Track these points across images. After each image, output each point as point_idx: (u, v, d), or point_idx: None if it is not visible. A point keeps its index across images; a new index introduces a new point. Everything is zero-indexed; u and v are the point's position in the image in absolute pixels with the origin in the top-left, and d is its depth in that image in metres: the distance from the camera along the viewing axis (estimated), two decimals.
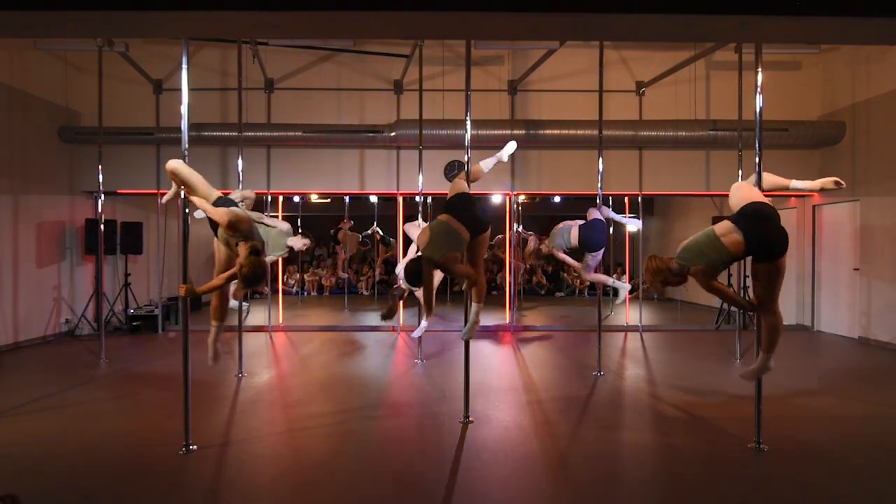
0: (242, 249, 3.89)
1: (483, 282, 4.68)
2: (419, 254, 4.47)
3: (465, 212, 4.42)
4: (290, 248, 6.39)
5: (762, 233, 3.61)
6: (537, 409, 4.96)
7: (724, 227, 3.70)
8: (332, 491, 3.39)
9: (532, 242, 7.45)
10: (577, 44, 8.57)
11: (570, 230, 6.50)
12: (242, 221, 3.92)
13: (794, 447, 4.07)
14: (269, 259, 6.47)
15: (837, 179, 3.96)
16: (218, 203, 4.08)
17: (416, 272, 4.38)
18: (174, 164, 3.95)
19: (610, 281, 6.75)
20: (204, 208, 3.98)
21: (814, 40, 7.26)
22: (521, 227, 10.69)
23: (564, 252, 6.67)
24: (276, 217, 9.19)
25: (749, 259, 3.80)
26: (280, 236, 6.27)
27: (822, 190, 4.04)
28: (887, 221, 7.87)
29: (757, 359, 4.00)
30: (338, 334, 8.90)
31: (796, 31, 3.70)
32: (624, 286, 6.74)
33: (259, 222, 6.25)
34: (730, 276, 9.41)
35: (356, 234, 12.55)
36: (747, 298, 3.79)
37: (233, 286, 4.34)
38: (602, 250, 6.51)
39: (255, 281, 3.91)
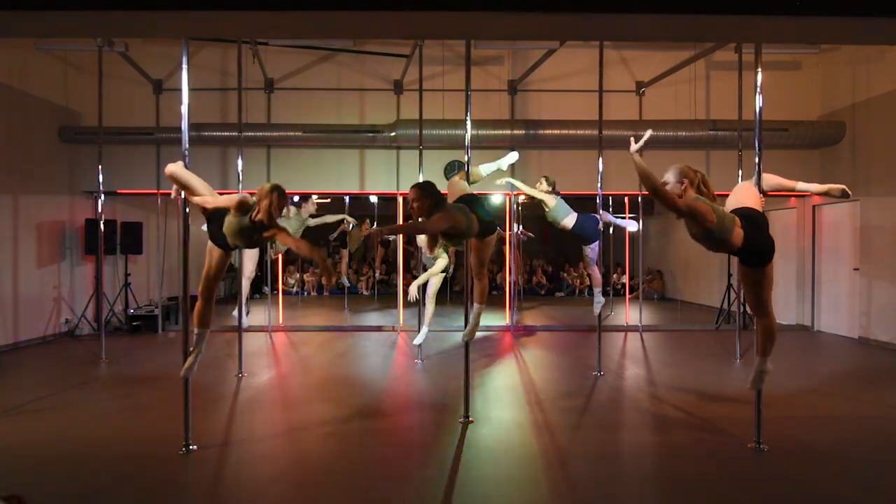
0: (259, 211, 3.74)
1: (485, 282, 4.67)
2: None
3: (475, 211, 4.39)
4: (310, 218, 6.56)
5: (756, 237, 3.61)
6: (537, 409, 4.96)
7: (736, 219, 3.62)
8: (331, 491, 3.39)
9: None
10: (577, 44, 8.56)
11: (570, 213, 6.75)
12: (250, 201, 3.83)
13: (794, 447, 4.07)
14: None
15: (845, 188, 3.94)
16: (217, 213, 4.04)
17: (435, 193, 4.05)
18: (173, 168, 3.92)
19: (597, 288, 6.93)
20: (206, 201, 3.88)
21: (814, 40, 7.26)
22: (521, 227, 10.69)
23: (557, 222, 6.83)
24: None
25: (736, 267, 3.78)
26: (297, 219, 6.31)
27: (826, 194, 4.03)
28: (887, 221, 7.87)
29: (755, 363, 4.00)
30: (338, 334, 8.90)
31: (796, 31, 3.69)
32: (600, 302, 6.77)
33: None
34: (730, 276, 9.42)
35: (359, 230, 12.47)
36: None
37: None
38: (597, 243, 6.86)
39: (280, 189, 3.75)
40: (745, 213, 3.69)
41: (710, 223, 3.42)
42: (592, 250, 6.92)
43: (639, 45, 8.99)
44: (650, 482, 3.59)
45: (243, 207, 3.76)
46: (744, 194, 3.89)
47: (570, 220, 6.74)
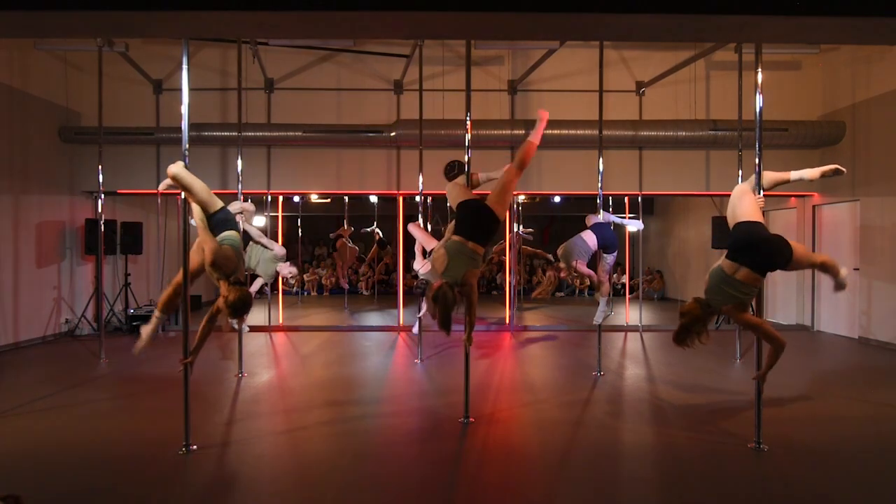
0: (224, 286, 3.90)
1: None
2: (440, 280, 4.25)
3: (474, 225, 4.29)
4: (277, 273, 6.40)
5: (762, 257, 3.69)
6: (537, 409, 4.96)
7: (727, 265, 3.79)
8: (331, 491, 3.39)
9: (551, 274, 7.04)
10: (577, 44, 8.57)
11: (585, 240, 6.37)
12: (230, 261, 3.90)
13: (794, 447, 4.07)
14: (255, 285, 6.44)
15: (838, 167, 3.99)
16: (218, 216, 4.02)
17: (436, 297, 4.17)
18: (176, 170, 3.89)
19: (604, 298, 6.64)
20: (199, 227, 3.93)
21: (814, 40, 7.25)
22: (521, 227, 10.70)
23: (586, 262, 6.44)
24: (273, 236, 9.31)
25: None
26: (273, 261, 6.26)
27: (822, 177, 4.04)
28: (887, 221, 7.87)
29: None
30: (338, 334, 8.90)
31: (796, 31, 3.69)
32: (603, 311, 6.62)
33: (258, 242, 6.23)
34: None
35: (355, 247, 12.51)
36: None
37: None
38: (616, 251, 6.61)
39: (243, 309, 3.92)
40: (737, 244, 3.78)
41: (741, 300, 3.79)
42: (613, 257, 6.64)
43: (639, 45, 8.99)
44: (650, 482, 3.59)
45: (216, 265, 3.87)
46: (740, 206, 3.88)
47: (591, 242, 6.38)
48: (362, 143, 8.96)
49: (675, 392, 5.53)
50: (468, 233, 4.26)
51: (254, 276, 6.51)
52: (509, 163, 4.52)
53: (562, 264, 6.56)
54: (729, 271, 3.77)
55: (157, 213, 9.25)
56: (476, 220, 4.27)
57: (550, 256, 8.91)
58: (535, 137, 4.23)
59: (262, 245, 6.24)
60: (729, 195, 4.05)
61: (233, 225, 4.14)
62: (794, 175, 4.09)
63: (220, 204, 4.11)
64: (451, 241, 4.30)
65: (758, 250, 3.71)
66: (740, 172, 6.32)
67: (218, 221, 4.03)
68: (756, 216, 3.83)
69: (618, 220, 7.21)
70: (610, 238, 6.48)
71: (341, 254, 12.33)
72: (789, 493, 3.40)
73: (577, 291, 14.53)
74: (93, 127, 7.96)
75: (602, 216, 6.52)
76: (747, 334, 7.59)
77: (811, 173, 4.06)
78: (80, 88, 8.75)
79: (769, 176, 4.12)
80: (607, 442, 4.23)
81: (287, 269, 6.42)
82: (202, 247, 4.07)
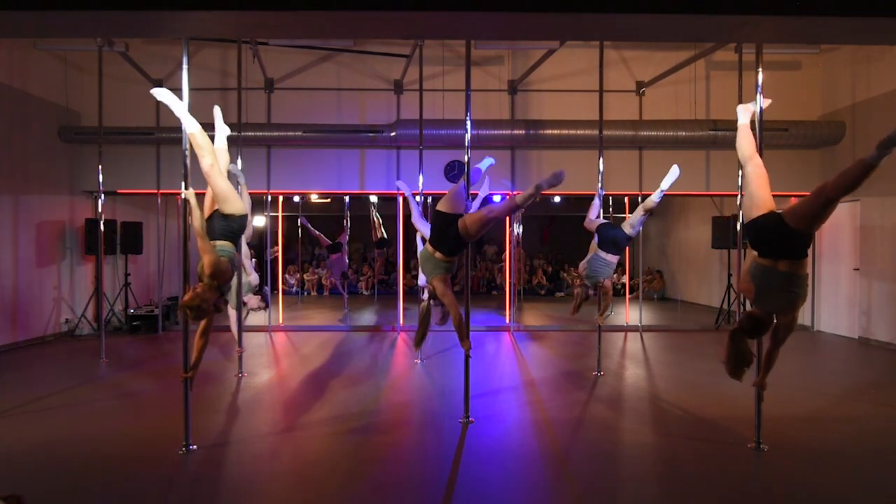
0: (205, 287, 3.75)
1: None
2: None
3: (440, 235, 4.40)
4: (245, 304, 6.28)
5: (784, 247, 3.50)
6: (537, 409, 4.96)
7: (765, 261, 3.53)
8: (331, 491, 3.39)
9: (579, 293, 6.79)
10: (577, 44, 8.57)
11: (606, 259, 6.05)
12: (225, 275, 3.79)
13: (794, 447, 4.07)
14: (233, 320, 6.25)
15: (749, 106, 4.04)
16: (230, 223, 3.92)
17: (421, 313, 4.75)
18: (212, 181, 3.82)
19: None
20: (197, 234, 3.77)
21: (814, 40, 7.26)
22: (521, 227, 10.69)
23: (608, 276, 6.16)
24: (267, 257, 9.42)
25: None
26: (246, 287, 6.17)
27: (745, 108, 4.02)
28: (887, 221, 7.87)
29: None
30: (338, 334, 8.90)
31: (796, 31, 3.69)
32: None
33: (241, 261, 6.13)
34: (730, 276, 9.41)
35: (344, 261, 12.44)
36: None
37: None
38: (627, 238, 6.16)
39: (199, 317, 3.76)
40: (753, 240, 3.63)
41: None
42: (641, 220, 6.09)
43: (639, 45, 8.99)
44: (650, 482, 3.59)
45: (213, 276, 3.73)
46: (754, 192, 3.73)
47: (612, 259, 6.02)
48: (362, 143, 8.97)
49: (674, 392, 5.53)
50: (434, 243, 4.46)
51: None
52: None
53: (587, 282, 6.30)
54: (769, 264, 3.50)
55: (157, 213, 9.25)
56: (441, 232, 4.38)
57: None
58: (523, 201, 4.14)
59: (243, 266, 6.10)
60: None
61: (233, 237, 4.00)
62: (743, 119, 4.00)
63: (241, 211, 3.95)
64: (424, 247, 4.56)
65: (776, 242, 3.52)
66: (740, 173, 6.32)
67: (222, 228, 3.91)
68: (767, 206, 3.65)
69: (661, 191, 6.52)
70: (619, 241, 6.03)
71: (330, 268, 12.24)
72: (789, 493, 3.40)
73: None
74: (93, 127, 7.96)
75: (599, 209, 6.29)
76: None
77: (745, 115, 4.01)
78: (80, 88, 8.75)
79: (747, 138, 3.95)
80: (607, 442, 4.23)
81: (256, 303, 6.27)
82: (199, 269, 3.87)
